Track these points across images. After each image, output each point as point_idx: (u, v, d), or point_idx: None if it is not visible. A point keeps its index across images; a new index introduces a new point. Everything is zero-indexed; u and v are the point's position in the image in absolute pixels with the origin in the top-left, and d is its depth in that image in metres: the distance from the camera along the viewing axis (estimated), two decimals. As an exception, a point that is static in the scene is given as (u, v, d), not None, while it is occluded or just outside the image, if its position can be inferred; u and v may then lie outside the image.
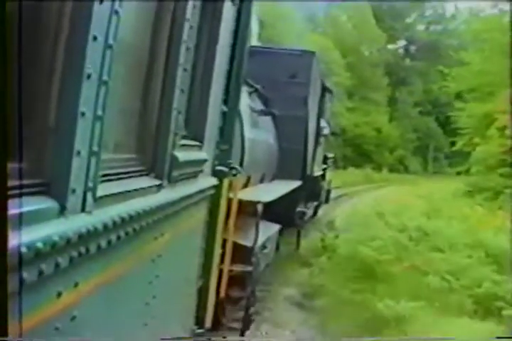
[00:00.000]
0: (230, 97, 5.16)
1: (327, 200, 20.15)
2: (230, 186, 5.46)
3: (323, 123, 15.55)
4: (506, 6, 30.61)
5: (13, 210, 1.52)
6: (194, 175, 4.01)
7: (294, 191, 10.71)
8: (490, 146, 27.79)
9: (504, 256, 11.25)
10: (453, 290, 10.00)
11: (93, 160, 2.04)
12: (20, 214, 1.57)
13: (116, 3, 2.07)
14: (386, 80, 69.57)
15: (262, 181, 9.92)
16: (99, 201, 2.15)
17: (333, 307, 9.59)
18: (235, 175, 5.56)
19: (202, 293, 4.84)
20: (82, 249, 2.00)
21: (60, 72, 1.87)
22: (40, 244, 1.66)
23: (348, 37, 63.96)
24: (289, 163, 11.83)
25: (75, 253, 1.93)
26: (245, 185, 8.16)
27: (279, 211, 9.39)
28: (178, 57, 3.18)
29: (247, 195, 7.41)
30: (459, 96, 42.60)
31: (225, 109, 5.06)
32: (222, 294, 5.80)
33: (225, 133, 5.10)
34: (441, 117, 71.22)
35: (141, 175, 2.95)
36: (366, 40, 66.84)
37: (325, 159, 18.18)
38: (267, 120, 10.86)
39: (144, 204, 2.72)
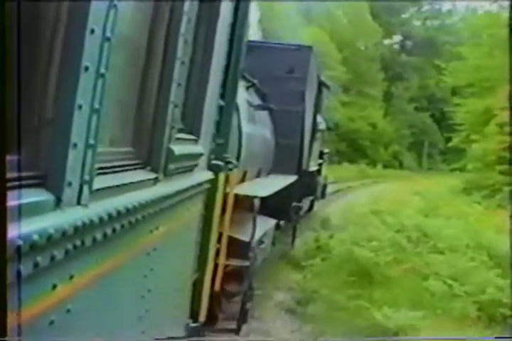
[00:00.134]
0: (227, 91, 5.16)
1: (323, 195, 20.16)
2: (227, 180, 5.47)
3: (319, 118, 15.55)
4: (506, 2, 30.49)
5: (11, 202, 1.52)
6: (190, 169, 4.01)
7: (289, 186, 10.72)
8: (488, 143, 27.55)
9: (507, 258, 10.87)
10: (456, 296, 9.64)
11: (89, 153, 2.04)
12: (19, 206, 1.57)
13: (115, -4, 2.07)
14: (382, 75, 69.36)
15: (258, 176, 9.92)
16: (95, 194, 2.15)
17: (328, 315, 8.90)
18: (230, 170, 5.57)
19: (197, 286, 4.85)
20: (78, 242, 2.00)
21: (57, 65, 1.86)
22: (35, 237, 1.66)
23: (344, 31, 63.79)
24: (285, 158, 11.82)
25: (70, 246, 1.93)
26: (242, 180, 8.16)
27: (275, 205, 9.40)
28: (176, 50, 3.18)
29: (244, 189, 7.41)
30: (455, 92, 42.52)
31: (221, 103, 5.06)
32: (217, 288, 5.81)
33: (222, 127, 5.10)
34: (436, 113, 71.39)
35: (137, 169, 2.95)
36: (362, 35, 66.59)
37: (321, 154, 18.20)
38: (264, 115, 10.85)
39: (140, 198, 2.72)
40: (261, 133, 10.13)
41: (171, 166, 3.31)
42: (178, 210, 3.69)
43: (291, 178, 11.38)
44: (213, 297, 5.83)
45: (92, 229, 2.11)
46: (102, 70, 2.04)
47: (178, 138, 3.46)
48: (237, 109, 7.67)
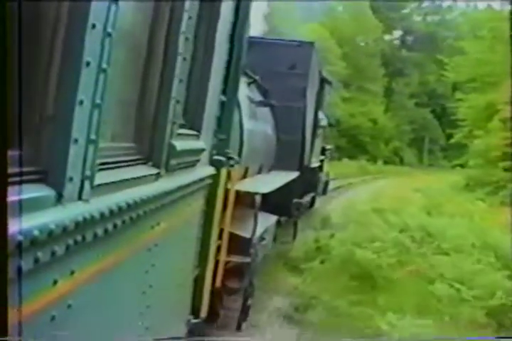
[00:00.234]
0: (228, 87, 5.16)
1: (324, 192, 20.14)
2: (228, 176, 5.47)
3: (321, 114, 15.54)
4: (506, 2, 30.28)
5: (12, 197, 1.52)
6: (192, 165, 4.01)
7: (291, 182, 10.71)
8: (491, 138, 27.22)
9: None
10: (463, 300, 9.24)
11: (91, 148, 2.04)
12: (20, 202, 1.57)
13: (116, -8, 2.06)
14: (382, 71, 69.19)
15: (259, 172, 9.92)
16: (97, 189, 2.15)
17: (328, 322, 8.40)
18: (232, 166, 5.57)
19: (198, 282, 4.85)
20: (79, 237, 2.00)
21: (59, 60, 1.86)
22: (36, 232, 1.66)
23: (344, 26, 63.68)
24: (286, 154, 11.82)
25: (71, 242, 1.93)
26: (243, 176, 8.16)
27: (276, 202, 9.40)
28: (177, 46, 3.17)
29: (245, 185, 7.41)
30: (455, 87, 42.26)
31: (223, 98, 5.06)
32: (218, 284, 5.81)
33: (223, 122, 5.10)
34: (437, 109, 71.26)
35: (138, 164, 2.95)
36: (362, 30, 66.39)
37: (323, 150, 18.19)
38: (266, 111, 10.84)
39: (141, 193, 2.72)
40: (262, 130, 10.13)
41: (173, 162, 3.31)
42: (179, 206, 3.69)
43: (293, 175, 11.37)
44: (214, 293, 5.84)
45: (93, 224, 2.11)
46: (104, 66, 2.04)
47: (179, 134, 3.46)
48: (239, 106, 7.67)
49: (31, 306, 1.73)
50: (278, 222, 10.19)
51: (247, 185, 7.57)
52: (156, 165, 3.10)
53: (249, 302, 7.70)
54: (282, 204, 10.73)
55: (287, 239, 13.03)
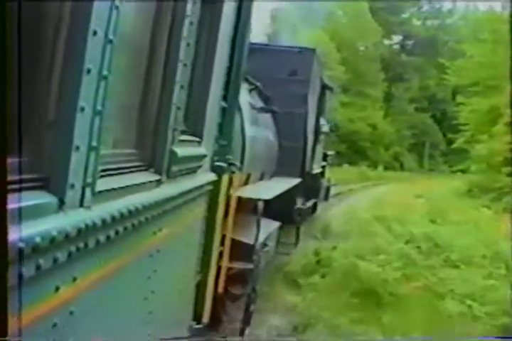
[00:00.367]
0: (229, 93, 5.16)
1: (326, 198, 20.10)
2: (230, 182, 5.47)
3: (322, 120, 15.54)
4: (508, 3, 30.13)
5: (12, 205, 1.52)
6: (193, 171, 4.01)
7: (293, 188, 10.71)
8: (494, 143, 26.86)
9: None
10: (476, 318, 8.71)
11: (92, 155, 2.04)
12: (20, 209, 1.57)
13: (117, -1, 2.07)
14: (382, 75, 69.03)
15: (262, 178, 9.92)
16: (98, 196, 2.15)
17: None
18: (233, 172, 5.57)
19: (200, 288, 4.85)
20: (81, 244, 2.00)
21: (60, 67, 1.87)
22: (38, 239, 1.66)
23: (344, 31, 63.65)
24: (288, 160, 11.81)
25: (73, 248, 1.93)
26: (245, 183, 8.16)
27: (279, 208, 9.39)
28: (178, 52, 3.18)
29: (248, 192, 7.41)
30: (456, 91, 41.98)
31: (224, 104, 5.06)
32: (221, 290, 5.81)
33: (224, 129, 5.10)
34: (437, 114, 71.17)
35: (140, 170, 2.95)
36: (362, 35, 66.28)
37: (324, 156, 18.18)
38: (267, 117, 10.85)
39: (143, 200, 2.72)
40: (264, 136, 10.14)
41: (174, 168, 3.31)
42: (181, 212, 3.69)
43: (295, 181, 11.37)
44: (217, 299, 5.83)
45: (95, 231, 2.11)
46: (105, 72, 2.04)
47: (181, 140, 3.46)
48: (241, 112, 7.68)
49: (33, 313, 1.73)
50: (280, 228, 10.18)
51: (250, 192, 7.57)
52: (157, 172, 3.10)
53: (252, 308, 7.69)
54: (285, 211, 10.72)
55: (287, 248, 12.41)
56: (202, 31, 3.96)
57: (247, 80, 8.74)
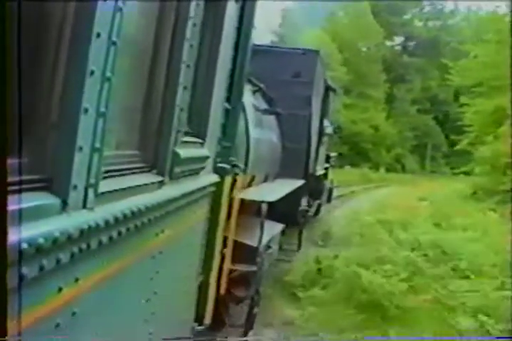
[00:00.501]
0: (232, 95, 5.16)
1: (329, 200, 20.08)
2: (233, 184, 5.47)
3: (326, 122, 15.55)
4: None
5: (13, 206, 1.52)
6: (196, 172, 4.01)
7: (296, 190, 10.70)
8: (499, 145, 26.36)
9: None
10: (489, 334, 8.08)
11: (95, 156, 2.05)
12: (20, 210, 1.57)
13: (120, 1, 2.08)
14: (384, 77, 68.72)
15: (265, 180, 9.91)
16: (101, 197, 2.16)
17: None
18: (237, 174, 5.57)
19: (202, 290, 4.85)
20: (83, 245, 2.01)
21: (63, 69, 1.87)
22: (41, 240, 1.67)
23: (345, 32, 63.52)
24: (291, 162, 11.81)
25: (76, 249, 1.94)
26: (249, 184, 8.16)
27: (282, 210, 9.38)
28: (181, 54, 3.18)
29: (251, 194, 7.41)
30: (458, 93, 41.65)
31: (227, 106, 5.06)
32: (223, 291, 5.80)
33: (228, 130, 5.10)
34: (439, 115, 70.98)
35: (142, 172, 2.95)
36: (364, 36, 66.05)
37: (328, 158, 18.18)
38: (271, 119, 10.85)
39: (146, 201, 2.72)
40: (268, 138, 10.14)
41: (177, 169, 3.31)
42: (183, 213, 3.70)
43: (298, 183, 11.36)
44: (219, 301, 5.83)
45: (97, 232, 2.12)
46: (108, 74, 2.05)
47: (184, 142, 3.46)
48: (245, 114, 7.68)
49: (36, 313, 1.73)
50: (281, 234, 10.14)
51: (253, 194, 7.57)
52: (160, 173, 3.10)
53: (256, 310, 7.69)
54: (288, 213, 10.71)
55: (288, 254, 12.11)
56: (205, 33, 3.96)
57: (250, 82, 8.74)
